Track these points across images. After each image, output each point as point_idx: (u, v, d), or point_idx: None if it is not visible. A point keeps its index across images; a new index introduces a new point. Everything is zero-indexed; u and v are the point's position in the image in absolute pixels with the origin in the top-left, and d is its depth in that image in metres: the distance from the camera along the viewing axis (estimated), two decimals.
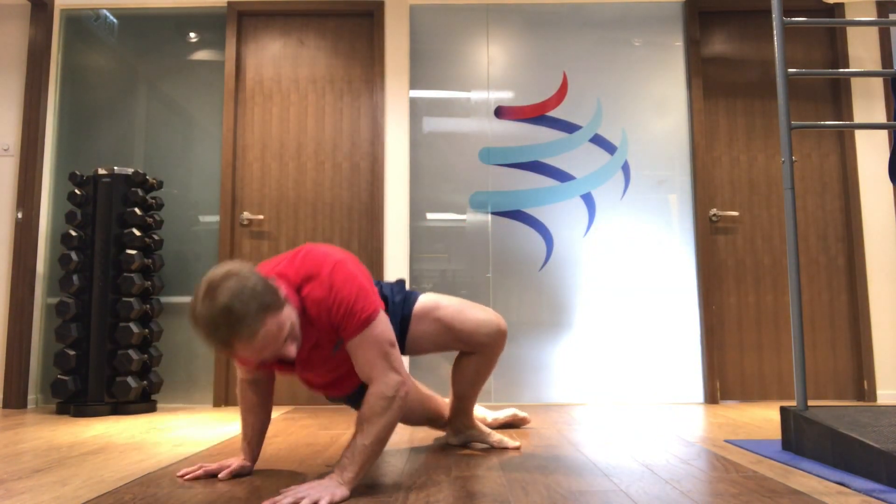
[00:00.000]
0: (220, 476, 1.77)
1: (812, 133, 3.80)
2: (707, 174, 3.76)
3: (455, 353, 2.56)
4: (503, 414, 2.57)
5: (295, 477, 1.78)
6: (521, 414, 2.59)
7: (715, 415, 3.06)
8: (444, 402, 2.29)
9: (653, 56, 3.84)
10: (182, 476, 1.77)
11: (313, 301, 1.60)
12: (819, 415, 2.00)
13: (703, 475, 1.75)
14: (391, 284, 2.03)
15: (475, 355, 2.05)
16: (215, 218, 3.74)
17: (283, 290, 1.53)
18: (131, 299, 3.30)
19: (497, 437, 2.21)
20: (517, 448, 2.17)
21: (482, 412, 2.53)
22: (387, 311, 1.94)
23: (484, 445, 2.22)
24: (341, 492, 1.51)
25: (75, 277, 3.31)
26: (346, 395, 1.98)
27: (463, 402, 2.16)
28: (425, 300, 2.00)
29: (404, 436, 2.51)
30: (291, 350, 1.53)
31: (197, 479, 1.77)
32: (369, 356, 1.59)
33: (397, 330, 1.98)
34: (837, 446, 1.81)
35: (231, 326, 1.39)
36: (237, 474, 1.79)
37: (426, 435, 2.52)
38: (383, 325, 1.63)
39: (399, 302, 1.99)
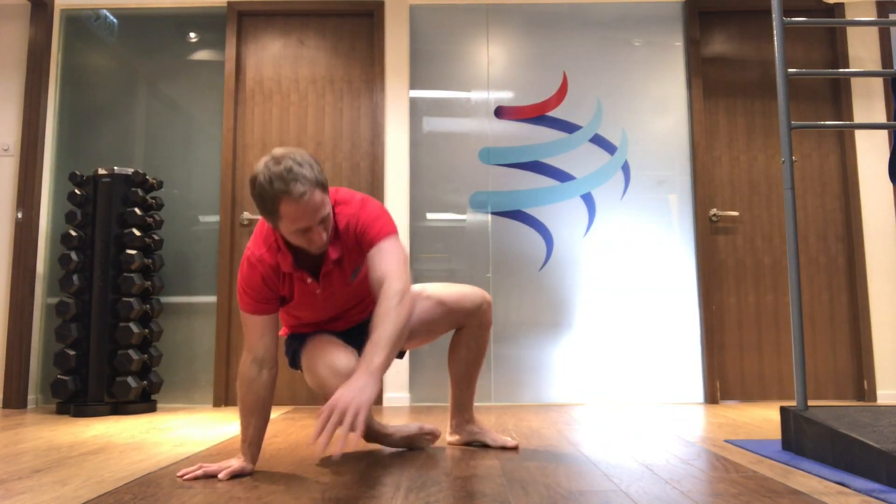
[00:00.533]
0: (220, 476, 1.76)
1: (812, 133, 3.80)
2: (707, 174, 3.76)
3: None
4: (409, 429, 2.21)
5: (295, 477, 1.78)
6: (428, 427, 2.20)
7: (715, 415, 3.06)
8: (377, 423, 2.19)
9: (653, 56, 3.84)
10: (182, 476, 1.77)
11: (344, 216, 1.79)
12: (819, 415, 2.00)
13: (703, 475, 1.75)
14: None
15: (466, 330, 2.10)
16: (215, 218, 3.74)
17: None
18: (131, 299, 3.30)
19: (495, 435, 2.21)
20: (515, 447, 2.17)
21: (389, 428, 2.22)
22: None
23: (482, 443, 2.22)
24: (371, 387, 1.55)
25: (75, 277, 3.31)
26: (350, 329, 2.03)
27: (462, 391, 2.17)
28: (412, 287, 2.06)
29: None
30: (323, 237, 1.68)
31: (196, 479, 1.76)
32: (388, 260, 1.73)
33: None
34: (837, 446, 1.81)
35: (286, 182, 1.58)
36: (237, 475, 1.79)
37: None
38: (402, 244, 1.80)
39: None
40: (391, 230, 1.79)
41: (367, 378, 1.56)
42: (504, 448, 2.18)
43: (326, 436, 1.48)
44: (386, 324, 1.63)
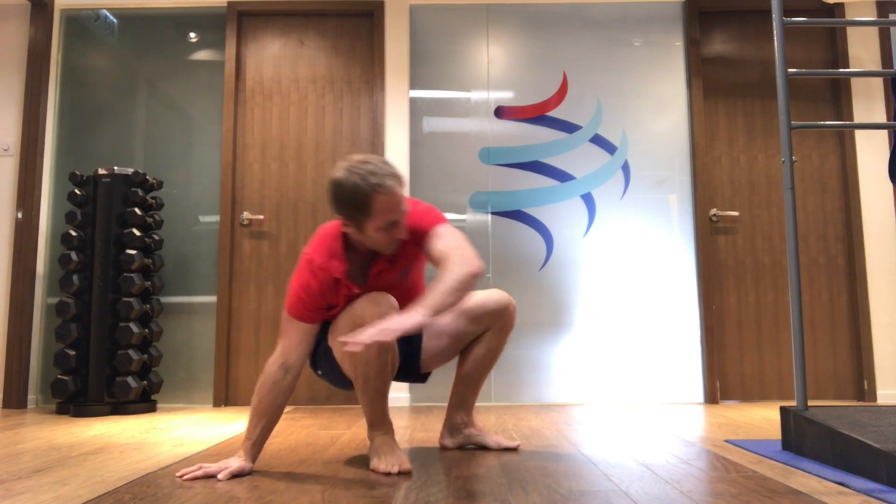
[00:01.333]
0: (219, 477, 1.76)
1: (812, 133, 3.80)
2: (707, 174, 3.76)
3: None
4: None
5: (295, 477, 1.78)
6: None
7: (715, 415, 3.06)
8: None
9: (653, 56, 3.84)
10: (181, 476, 1.77)
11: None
12: (819, 415, 2.00)
13: (703, 475, 1.75)
14: None
15: (485, 334, 2.09)
16: (215, 218, 3.74)
17: None
18: (131, 299, 3.30)
19: (495, 437, 2.19)
20: (516, 448, 2.16)
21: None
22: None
23: (481, 445, 2.19)
24: (415, 317, 1.60)
25: (75, 277, 3.31)
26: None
27: (466, 391, 2.14)
28: None
29: (404, 436, 2.51)
30: (402, 234, 1.79)
31: (196, 479, 1.76)
32: (452, 241, 1.79)
33: (415, 345, 2.08)
34: (837, 446, 1.81)
35: (380, 177, 1.71)
36: (236, 475, 1.79)
37: (426, 435, 2.53)
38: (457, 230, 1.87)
39: None
40: (444, 219, 1.87)
41: (413, 312, 1.61)
42: (505, 449, 2.17)
43: (355, 339, 1.52)
44: (447, 273, 1.69)
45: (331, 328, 1.89)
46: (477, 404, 3.57)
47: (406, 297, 1.98)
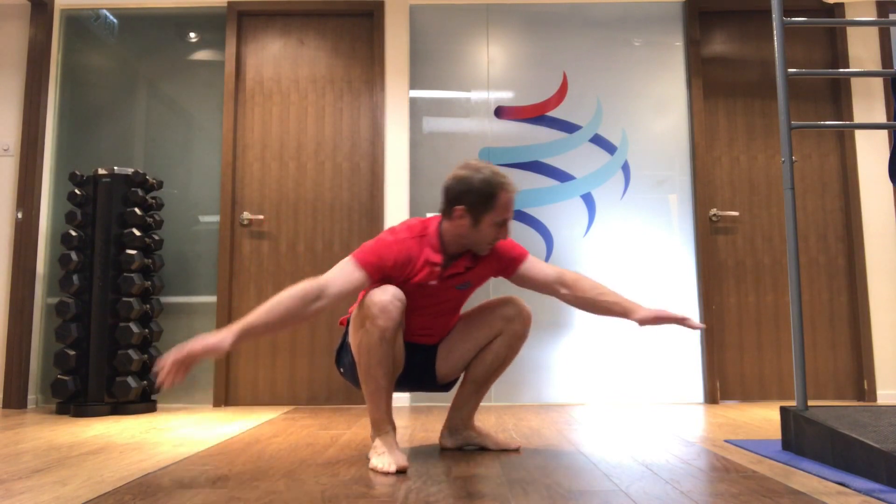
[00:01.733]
0: (194, 348, 1.67)
1: (812, 133, 3.80)
2: (707, 174, 3.76)
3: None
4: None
5: (295, 477, 1.78)
6: (401, 464, 1.84)
7: (715, 415, 3.06)
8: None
9: (653, 56, 3.84)
10: (160, 383, 1.67)
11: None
12: (819, 415, 2.00)
13: (703, 475, 1.75)
14: None
15: (498, 338, 2.11)
16: (215, 218, 3.74)
17: None
18: (131, 299, 3.30)
19: (495, 438, 2.18)
20: (517, 450, 2.16)
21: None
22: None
23: (480, 447, 2.19)
24: (644, 311, 1.96)
25: (75, 277, 3.31)
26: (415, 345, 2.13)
27: (470, 394, 2.15)
28: None
29: (404, 436, 2.51)
30: (506, 235, 2.00)
31: (172, 373, 1.66)
32: (547, 269, 2.08)
33: (432, 353, 2.13)
34: (837, 446, 1.81)
35: (504, 177, 1.95)
36: (212, 350, 1.70)
37: (426, 435, 2.53)
38: None
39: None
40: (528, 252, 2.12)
41: (636, 305, 2.00)
42: (505, 450, 2.16)
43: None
44: (595, 282, 2.04)
45: (352, 321, 1.96)
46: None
47: (453, 309, 2.09)
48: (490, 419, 2.96)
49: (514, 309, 2.08)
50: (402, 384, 2.13)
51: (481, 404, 3.57)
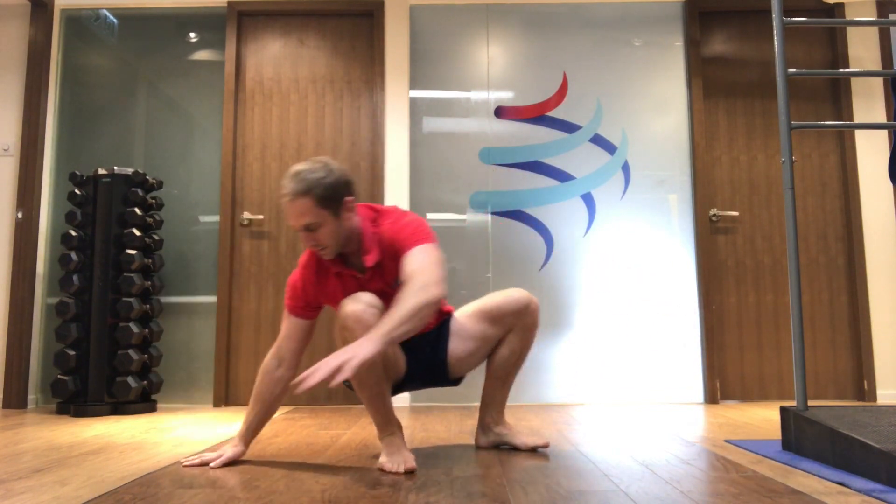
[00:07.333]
0: (211, 465, 1.90)
1: (812, 133, 3.80)
2: (707, 174, 3.76)
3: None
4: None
5: (295, 477, 1.78)
6: (409, 465, 1.86)
7: (715, 415, 3.06)
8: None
9: (653, 56, 3.84)
10: (184, 464, 1.92)
11: (386, 228, 1.90)
12: (819, 415, 2.00)
13: (703, 475, 1.75)
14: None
15: (509, 335, 2.10)
16: (215, 218, 3.74)
17: (359, 211, 1.91)
18: (131, 299, 3.30)
19: (524, 437, 2.16)
20: (545, 445, 2.14)
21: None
22: (443, 325, 2.13)
23: (511, 445, 2.18)
24: (370, 346, 1.60)
25: (75, 277, 3.31)
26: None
27: (496, 391, 2.15)
28: (456, 312, 2.17)
29: (405, 435, 2.51)
30: (309, 244, 1.85)
31: (194, 466, 1.91)
32: (418, 260, 1.80)
33: (444, 344, 2.11)
34: (837, 446, 1.81)
35: (286, 179, 1.81)
36: (231, 462, 1.94)
37: (426, 435, 2.53)
38: (437, 251, 1.86)
39: (450, 316, 2.16)
40: (425, 239, 1.86)
41: (368, 340, 1.61)
42: (534, 449, 2.14)
43: (310, 375, 1.54)
44: (402, 301, 1.69)
45: (336, 333, 1.97)
46: (478, 404, 3.57)
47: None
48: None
49: (521, 303, 2.08)
50: (414, 381, 2.12)
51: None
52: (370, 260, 1.88)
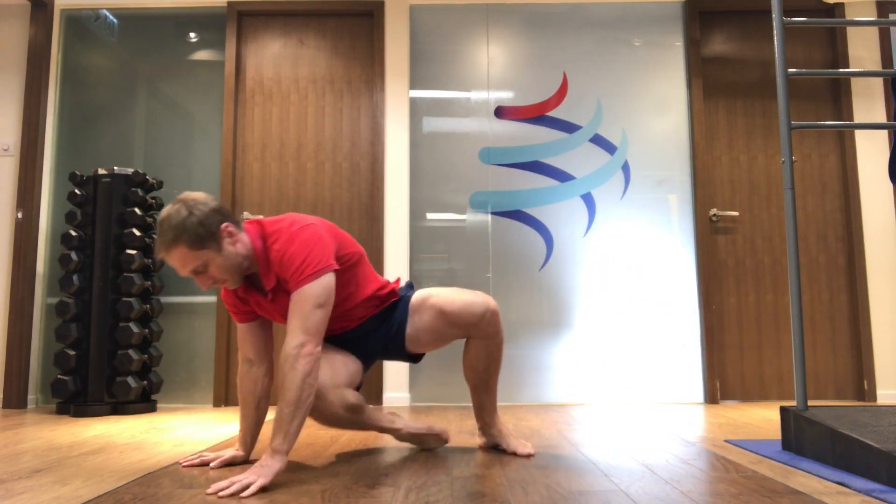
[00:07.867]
0: (210, 465, 1.91)
1: (812, 133, 3.80)
2: (707, 174, 3.76)
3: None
4: (418, 427, 2.18)
5: (295, 477, 1.78)
6: (438, 428, 2.18)
7: (715, 415, 3.06)
8: (386, 416, 2.10)
9: (653, 56, 3.84)
10: (182, 464, 1.94)
11: (275, 254, 1.80)
12: (819, 415, 2.00)
13: (703, 475, 1.75)
14: (405, 286, 2.14)
15: (474, 340, 2.07)
16: None
17: (247, 231, 1.82)
18: (131, 299, 3.30)
19: (510, 441, 2.12)
20: (529, 456, 2.05)
21: (399, 422, 2.14)
22: (397, 307, 2.08)
23: (501, 447, 2.15)
24: (274, 465, 1.64)
25: (75, 277, 3.31)
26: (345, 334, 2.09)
27: (479, 397, 2.14)
28: (420, 292, 2.10)
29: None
30: (207, 284, 1.78)
31: (194, 465, 1.93)
32: (293, 312, 1.72)
33: (401, 327, 2.07)
34: (837, 446, 1.81)
35: (160, 235, 1.74)
36: (230, 463, 1.95)
37: None
38: (320, 286, 1.74)
39: (405, 298, 2.10)
40: (312, 272, 1.74)
41: (269, 459, 1.65)
42: (516, 454, 2.08)
43: (225, 487, 1.58)
44: (283, 396, 1.66)
45: None
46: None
47: (344, 313, 1.99)
48: None
49: (476, 315, 2.00)
50: (375, 357, 2.13)
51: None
52: (268, 284, 1.82)
